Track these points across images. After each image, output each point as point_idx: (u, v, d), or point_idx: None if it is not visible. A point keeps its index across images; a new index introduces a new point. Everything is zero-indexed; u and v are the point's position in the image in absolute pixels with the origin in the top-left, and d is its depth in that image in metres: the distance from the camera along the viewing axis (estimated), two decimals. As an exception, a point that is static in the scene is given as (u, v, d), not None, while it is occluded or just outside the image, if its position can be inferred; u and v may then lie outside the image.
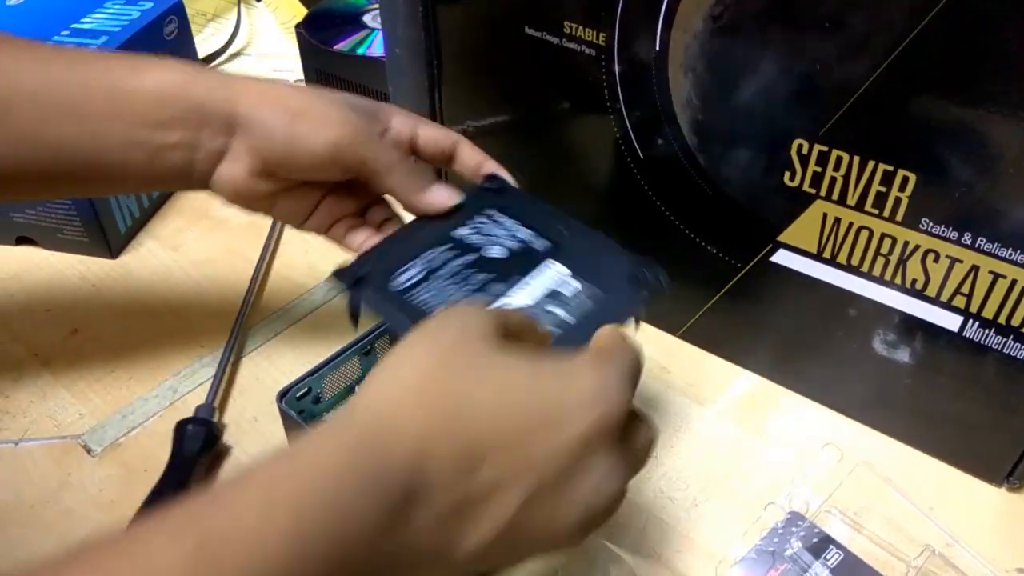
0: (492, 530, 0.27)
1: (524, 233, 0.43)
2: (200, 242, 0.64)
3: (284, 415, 0.45)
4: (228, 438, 0.49)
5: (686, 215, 0.49)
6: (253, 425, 0.50)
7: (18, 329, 0.57)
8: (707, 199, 0.47)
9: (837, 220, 0.43)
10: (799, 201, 0.44)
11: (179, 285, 0.60)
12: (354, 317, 0.39)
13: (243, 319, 0.56)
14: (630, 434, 0.31)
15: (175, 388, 0.52)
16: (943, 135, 0.38)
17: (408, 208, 0.44)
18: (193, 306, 0.59)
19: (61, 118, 0.39)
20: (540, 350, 0.33)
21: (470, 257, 0.41)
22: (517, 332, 0.32)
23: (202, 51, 0.74)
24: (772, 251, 0.47)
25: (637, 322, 0.40)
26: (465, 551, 0.27)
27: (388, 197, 0.46)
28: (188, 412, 0.50)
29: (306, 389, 0.45)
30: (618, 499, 0.31)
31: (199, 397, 0.51)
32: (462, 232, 0.42)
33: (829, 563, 0.41)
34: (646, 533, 0.44)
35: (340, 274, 0.40)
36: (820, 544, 0.42)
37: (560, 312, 0.39)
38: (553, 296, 0.39)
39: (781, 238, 0.46)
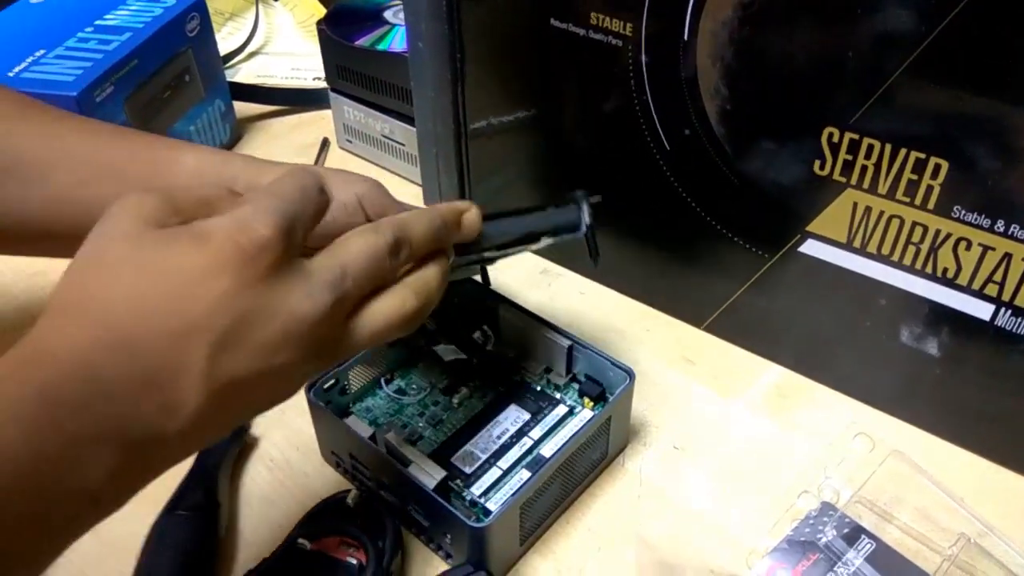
0: (193, 400, 0.27)
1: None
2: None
3: (312, 406, 0.45)
4: (256, 430, 0.49)
5: (713, 206, 0.49)
6: (280, 417, 0.50)
7: (43, 324, 0.57)
8: (734, 190, 0.47)
9: (868, 209, 0.43)
10: (829, 190, 0.44)
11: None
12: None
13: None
14: (332, 246, 0.31)
15: (201, 381, 0.52)
16: (976, 121, 0.38)
17: None
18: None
19: (102, 180, 0.40)
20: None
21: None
22: (192, 212, 0.30)
23: (221, 50, 0.74)
24: (800, 241, 0.46)
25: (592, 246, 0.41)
26: (174, 428, 0.27)
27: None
28: (215, 405, 0.50)
29: (333, 380, 0.45)
30: (320, 311, 0.29)
31: (225, 390, 0.51)
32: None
33: (862, 553, 0.41)
34: (676, 522, 0.44)
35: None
36: (852, 534, 0.42)
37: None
38: None
39: (810, 228, 0.46)
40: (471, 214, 0.38)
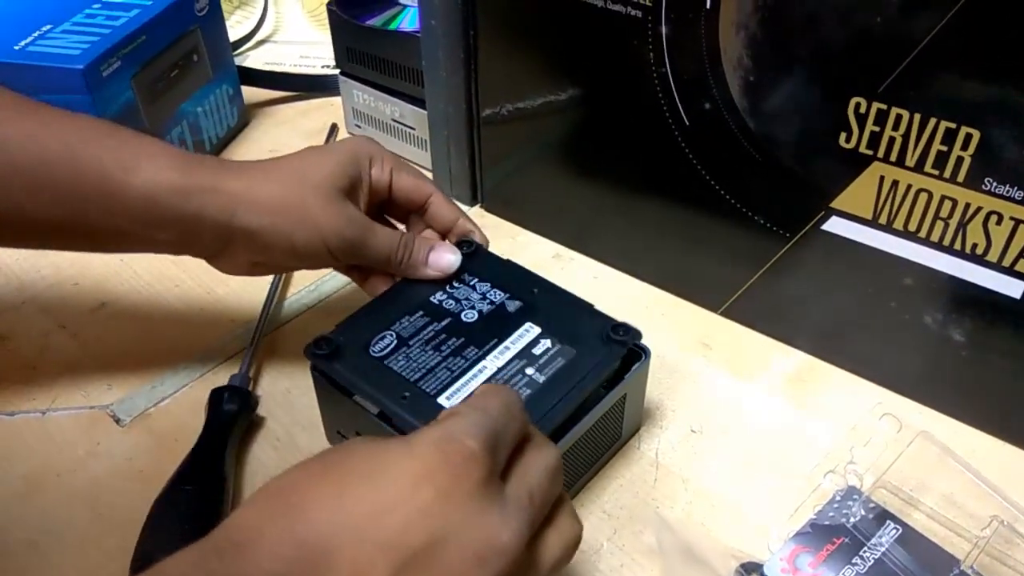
0: None
1: (497, 295, 0.45)
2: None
3: (317, 384, 0.43)
4: (262, 410, 0.48)
5: (732, 184, 0.48)
6: (286, 397, 0.49)
7: (45, 303, 0.56)
8: (756, 165, 0.46)
9: (895, 183, 0.42)
10: (855, 164, 0.42)
11: (208, 261, 0.59)
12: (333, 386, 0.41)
13: (277, 291, 0.55)
14: (517, 468, 0.29)
15: (205, 360, 0.51)
16: (1009, 89, 0.37)
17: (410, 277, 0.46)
18: (222, 280, 0.57)
19: (54, 201, 0.39)
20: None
21: (445, 322, 0.43)
22: None
23: (229, 37, 0.73)
24: (824, 219, 0.45)
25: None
26: None
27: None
28: (218, 384, 0.49)
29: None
30: (517, 543, 0.27)
31: (230, 370, 0.50)
32: (438, 298, 0.44)
33: (889, 536, 0.40)
34: (693, 507, 0.43)
35: (318, 342, 0.41)
36: (878, 518, 0.41)
37: (531, 372, 0.40)
38: (525, 356, 0.41)
39: (834, 204, 0.44)
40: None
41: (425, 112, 0.62)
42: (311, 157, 0.43)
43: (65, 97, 0.55)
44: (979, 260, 0.42)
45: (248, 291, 0.56)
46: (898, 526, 0.40)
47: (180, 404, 0.48)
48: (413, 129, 0.66)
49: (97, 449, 0.46)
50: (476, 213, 0.64)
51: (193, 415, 0.47)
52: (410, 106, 0.65)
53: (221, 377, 0.50)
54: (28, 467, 0.45)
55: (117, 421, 0.47)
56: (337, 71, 0.69)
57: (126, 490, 0.43)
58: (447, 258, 0.45)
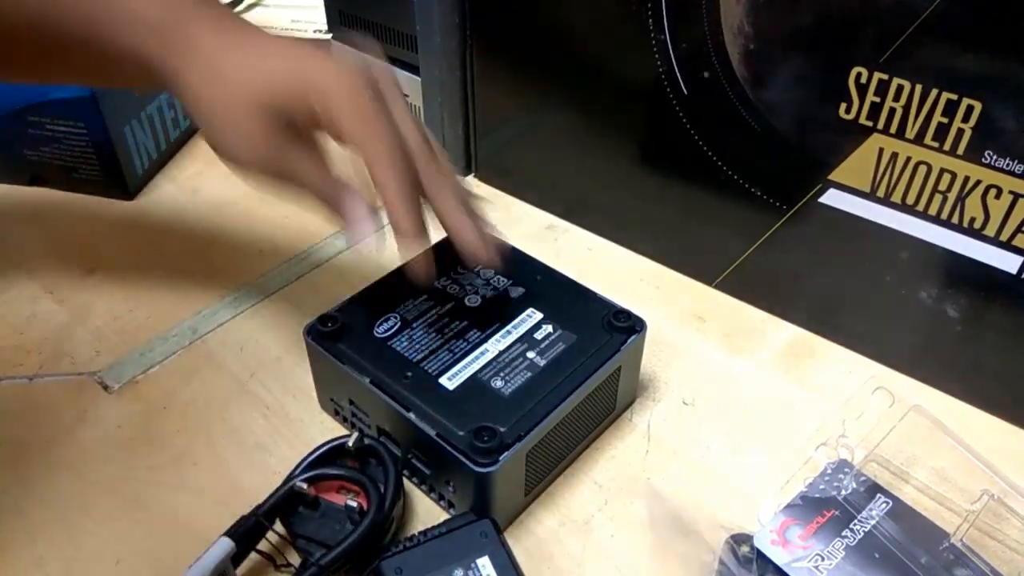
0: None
1: (501, 281, 0.45)
2: (219, 186, 0.62)
3: (311, 350, 0.43)
4: (251, 380, 0.47)
5: (730, 154, 0.47)
6: (277, 366, 0.48)
7: (34, 268, 0.55)
8: (754, 136, 0.45)
9: (894, 155, 0.41)
10: (854, 135, 0.42)
11: (197, 227, 0.58)
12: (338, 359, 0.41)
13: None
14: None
15: (195, 328, 0.51)
16: (1012, 60, 0.36)
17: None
18: (212, 248, 0.57)
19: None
20: None
21: (448, 306, 0.44)
22: None
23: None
24: (821, 191, 0.45)
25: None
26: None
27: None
28: (208, 352, 0.49)
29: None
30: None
31: (219, 337, 0.50)
32: (442, 282, 0.45)
33: (879, 510, 0.40)
34: (685, 478, 0.43)
35: (322, 319, 0.42)
36: (868, 492, 0.41)
37: (532, 355, 0.41)
38: (527, 340, 0.42)
39: (832, 176, 0.44)
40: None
41: (419, 79, 0.61)
42: (274, 62, 0.37)
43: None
44: (977, 234, 0.41)
45: (237, 259, 0.55)
46: (888, 499, 0.40)
47: (169, 371, 0.48)
48: (406, 96, 0.65)
49: (85, 416, 0.45)
50: (470, 183, 0.63)
51: (182, 383, 0.47)
52: (404, 73, 0.64)
53: (211, 344, 0.49)
54: (14, 433, 0.44)
55: (105, 388, 0.47)
56: (329, 35, 0.68)
57: (114, 457, 0.43)
58: (361, 235, 0.37)
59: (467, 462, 0.36)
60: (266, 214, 0.59)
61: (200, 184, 0.62)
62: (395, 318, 0.43)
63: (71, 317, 0.51)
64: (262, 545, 0.37)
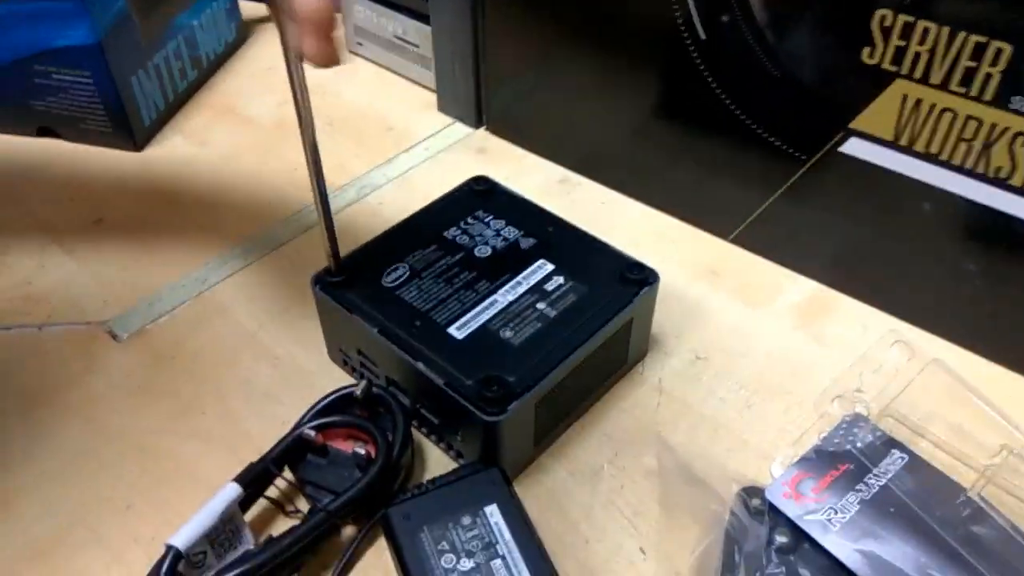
0: None
1: (511, 232, 0.45)
2: (227, 138, 0.61)
3: (319, 301, 0.42)
4: (261, 330, 0.47)
5: (748, 102, 0.46)
6: (284, 315, 0.48)
7: (42, 217, 0.55)
8: (773, 83, 0.44)
9: (918, 102, 0.40)
10: (877, 81, 0.41)
11: (206, 179, 0.58)
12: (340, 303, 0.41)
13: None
14: None
15: (204, 278, 0.50)
16: (1047, 0, 0.35)
17: None
18: (220, 199, 0.56)
19: None
20: None
21: (458, 256, 0.43)
22: None
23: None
24: (842, 140, 0.43)
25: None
26: None
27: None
28: (216, 302, 0.48)
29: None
30: None
31: (227, 287, 0.49)
32: (451, 233, 0.44)
33: (895, 464, 0.39)
34: (696, 431, 0.42)
35: (329, 269, 0.42)
36: (884, 446, 0.40)
37: (543, 306, 0.40)
38: (537, 292, 0.41)
39: (853, 125, 0.43)
40: None
41: (429, 28, 0.60)
42: None
43: (59, 5, 0.53)
44: (1002, 184, 0.40)
45: (246, 210, 0.55)
46: (905, 454, 0.40)
47: (178, 321, 0.48)
48: (417, 46, 0.64)
49: (94, 365, 0.45)
50: (481, 135, 0.62)
51: (191, 332, 0.47)
52: (414, 22, 0.63)
53: (220, 295, 0.49)
54: (24, 381, 0.44)
55: (114, 337, 0.47)
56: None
57: (123, 406, 0.43)
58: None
59: (475, 411, 0.36)
60: (275, 166, 0.59)
61: (208, 136, 0.62)
62: (404, 268, 0.42)
63: (80, 267, 0.51)
64: (271, 492, 0.37)
